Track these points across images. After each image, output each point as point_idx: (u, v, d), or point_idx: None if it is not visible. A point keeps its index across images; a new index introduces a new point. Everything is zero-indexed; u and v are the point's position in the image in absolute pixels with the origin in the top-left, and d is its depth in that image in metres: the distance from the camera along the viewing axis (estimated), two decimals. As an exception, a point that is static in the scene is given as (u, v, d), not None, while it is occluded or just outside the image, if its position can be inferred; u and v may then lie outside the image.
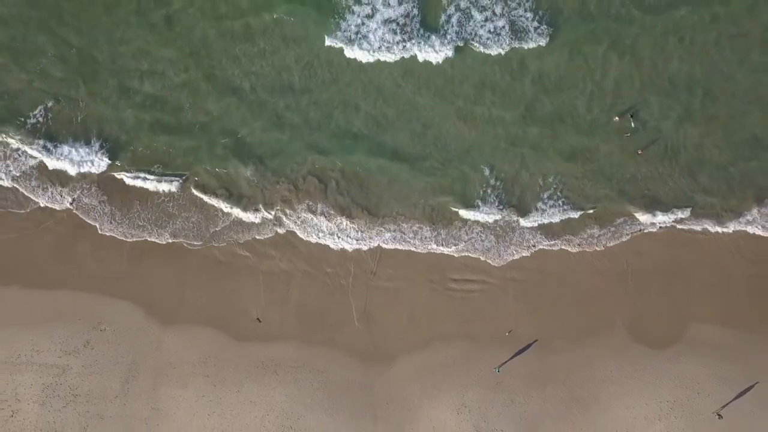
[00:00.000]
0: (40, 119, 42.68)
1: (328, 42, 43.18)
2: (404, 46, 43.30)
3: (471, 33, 43.43)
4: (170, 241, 42.59)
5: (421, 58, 43.39)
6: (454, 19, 43.40)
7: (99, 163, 42.53)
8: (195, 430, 40.44)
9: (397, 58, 43.44)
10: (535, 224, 43.56)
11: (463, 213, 43.38)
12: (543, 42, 43.25)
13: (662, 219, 43.38)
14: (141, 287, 41.81)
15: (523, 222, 43.44)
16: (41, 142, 42.52)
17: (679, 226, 43.47)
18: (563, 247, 43.45)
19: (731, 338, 42.23)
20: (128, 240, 42.32)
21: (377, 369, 41.61)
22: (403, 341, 42.07)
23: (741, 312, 42.55)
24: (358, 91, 43.70)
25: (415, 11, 43.32)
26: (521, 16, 43.40)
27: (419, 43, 43.24)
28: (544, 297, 42.93)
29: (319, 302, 42.33)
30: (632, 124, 43.31)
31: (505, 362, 41.70)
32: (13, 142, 42.48)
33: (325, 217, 42.90)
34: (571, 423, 41.13)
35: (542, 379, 41.76)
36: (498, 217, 43.41)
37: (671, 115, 43.59)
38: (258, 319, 41.88)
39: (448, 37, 43.37)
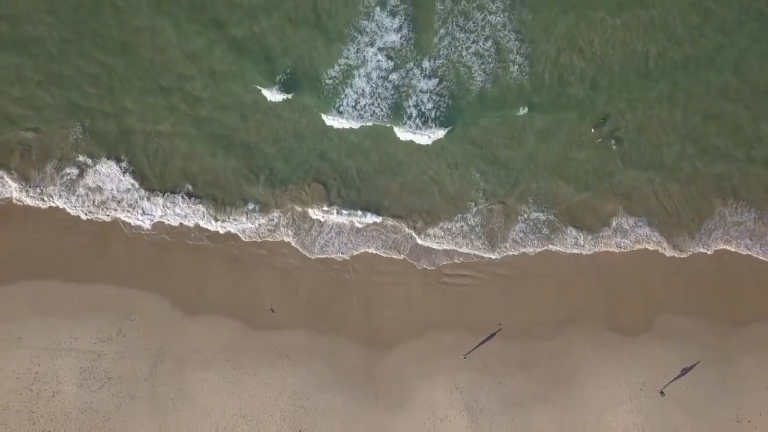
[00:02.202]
0: (79, 135, 47.44)
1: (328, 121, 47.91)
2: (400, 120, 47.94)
3: (458, 56, 48.37)
4: (198, 243, 47.20)
5: (417, 141, 47.82)
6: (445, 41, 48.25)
7: (130, 183, 47.04)
8: (217, 408, 44.52)
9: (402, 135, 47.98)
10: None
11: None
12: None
13: (634, 223, 47.96)
14: (167, 281, 46.04)
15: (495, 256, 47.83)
16: (81, 158, 47.10)
17: (651, 230, 47.98)
18: (550, 247, 47.88)
19: (697, 328, 46.54)
20: (156, 240, 46.93)
21: (378, 354, 45.88)
22: (401, 330, 46.31)
23: (706, 304, 46.92)
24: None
25: (412, 35, 48.34)
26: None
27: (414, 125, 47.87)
28: (529, 290, 47.24)
29: (327, 295, 46.61)
30: (602, 120, 48.09)
31: (472, 350, 46.00)
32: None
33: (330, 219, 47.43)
34: (551, 402, 45.51)
35: (527, 364, 46.05)
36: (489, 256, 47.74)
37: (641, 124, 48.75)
38: (272, 309, 46.11)
39: (438, 62, 48.10)
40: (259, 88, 47.73)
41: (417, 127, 47.67)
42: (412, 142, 48.04)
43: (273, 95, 47.58)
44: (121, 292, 45.76)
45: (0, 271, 45.69)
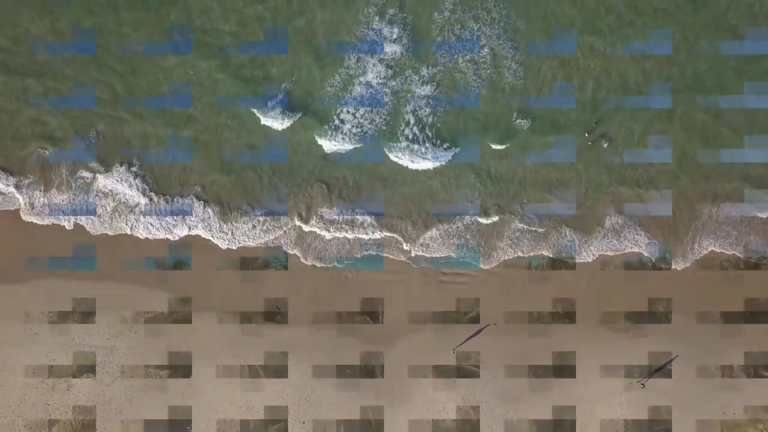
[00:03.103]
0: (93, 141, 49.59)
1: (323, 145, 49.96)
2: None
3: (454, 63, 50.25)
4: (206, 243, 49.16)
5: (422, 167, 49.86)
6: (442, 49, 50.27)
7: (141, 187, 49.14)
8: (224, 400, 46.37)
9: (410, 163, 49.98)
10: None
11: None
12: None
13: (624, 222, 49.66)
14: (177, 280, 48.02)
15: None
16: (95, 165, 49.33)
17: (641, 229, 49.70)
18: (544, 252, 49.63)
19: (686, 324, 48.02)
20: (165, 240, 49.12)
21: (379, 350, 47.55)
22: (400, 327, 47.99)
23: (695, 302, 48.44)
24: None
25: (410, 44, 50.40)
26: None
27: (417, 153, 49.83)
28: (526, 288, 48.84)
29: (329, 293, 48.50)
30: (594, 124, 50.04)
31: (459, 345, 47.68)
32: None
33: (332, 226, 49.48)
34: (545, 395, 47.18)
35: (522, 358, 47.59)
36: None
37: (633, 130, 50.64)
38: (277, 307, 47.97)
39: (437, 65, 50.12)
40: (259, 117, 49.88)
41: (415, 137, 49.49)
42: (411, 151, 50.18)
43: (276, 123, 49.76)
44: (131, 290, 47.69)
45: (15, 270, 47.82)
